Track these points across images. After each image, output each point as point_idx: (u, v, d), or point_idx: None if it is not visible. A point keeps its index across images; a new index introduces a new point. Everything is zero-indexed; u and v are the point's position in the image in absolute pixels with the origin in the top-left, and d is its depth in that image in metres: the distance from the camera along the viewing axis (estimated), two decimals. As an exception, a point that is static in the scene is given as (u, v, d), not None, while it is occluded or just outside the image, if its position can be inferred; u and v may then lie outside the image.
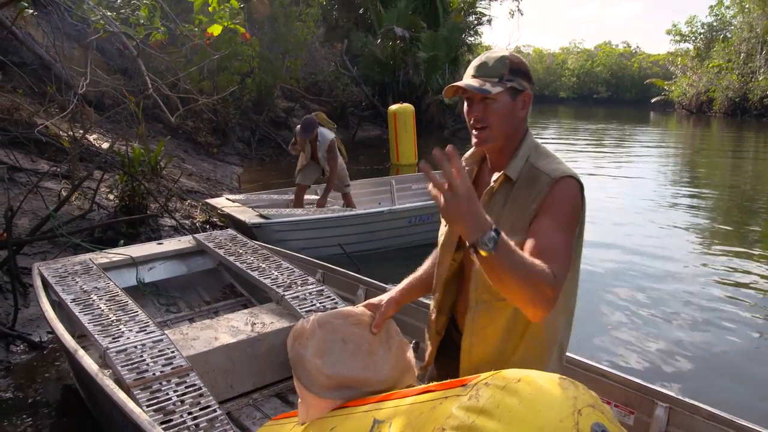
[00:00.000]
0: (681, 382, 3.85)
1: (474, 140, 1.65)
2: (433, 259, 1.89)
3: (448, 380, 1.34)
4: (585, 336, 4.50)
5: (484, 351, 1.65)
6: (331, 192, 6.86)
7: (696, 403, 2.21)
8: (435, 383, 1.38)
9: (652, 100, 45.79)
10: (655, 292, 5.51)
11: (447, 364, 1.81)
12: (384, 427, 1.35)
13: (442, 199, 1.28)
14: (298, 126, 6.48)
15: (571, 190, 1.56)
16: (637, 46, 70.11)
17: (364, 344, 1.64)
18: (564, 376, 1.26)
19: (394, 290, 1.82)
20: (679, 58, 43.79)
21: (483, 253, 1.28)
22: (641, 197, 10.34)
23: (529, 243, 1.49)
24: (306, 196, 6.90)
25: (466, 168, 1.77)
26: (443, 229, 1.80)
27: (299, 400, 1.56)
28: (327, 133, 6.46)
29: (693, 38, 43.81)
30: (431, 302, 1.83)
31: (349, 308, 1.68)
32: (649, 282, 5.79)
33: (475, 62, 1.63)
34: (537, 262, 1.38)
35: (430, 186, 1.30)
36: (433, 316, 1.81)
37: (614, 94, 61.44)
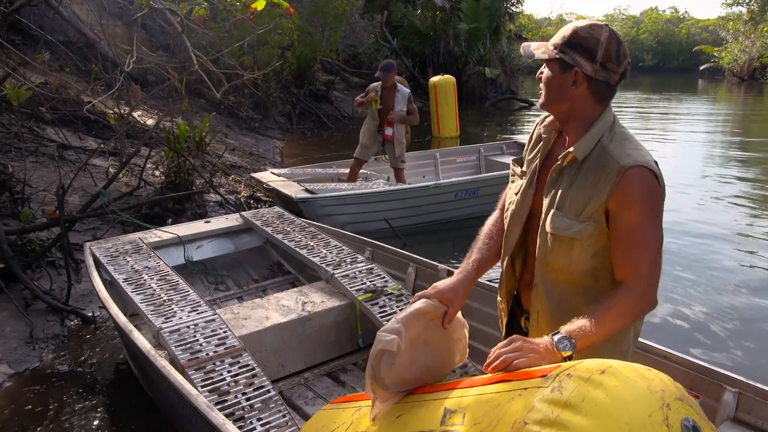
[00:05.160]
0: (748, 366, 3.69)
1: None
2: (487, 238, 1.82)
3: (525, 370, 1.27)
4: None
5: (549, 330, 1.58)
6: (382, 166, 7.09)
7: (768, 388, 2.11)
8: (509, 372, 1.31)
9: (701, 68, 43.99)
10: (710, 267, 5.31)
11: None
12: (456, 417, 1.29)
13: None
14: (377, 72, 6.29)
15: (646, 179, 1.49)
16: (686, 12, 67.85)
17: (439, 341, 1.60)
18: (648, 367, 1.21)
19: (460, 278, 1.72)
20: (731, 23, 41.83)
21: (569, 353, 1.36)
22: (691, 165, 10.04)
23: (620, 244, 1.52)
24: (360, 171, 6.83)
25: (544, 135, 1.72)
26: (513, 196, 1.74)
27: (372, 396, 1.51)
28: (404, 88, 6.46)
29: (747, 1, 41.81)
30: (501, 270, 1.80)
31: (425, 305, 1.58)
32: (705, 257, 5.57)
33: None
34: (617, 304, 1.46)
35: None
36: (505, 279, 1.78)
37: (660, 61, 59.49)
